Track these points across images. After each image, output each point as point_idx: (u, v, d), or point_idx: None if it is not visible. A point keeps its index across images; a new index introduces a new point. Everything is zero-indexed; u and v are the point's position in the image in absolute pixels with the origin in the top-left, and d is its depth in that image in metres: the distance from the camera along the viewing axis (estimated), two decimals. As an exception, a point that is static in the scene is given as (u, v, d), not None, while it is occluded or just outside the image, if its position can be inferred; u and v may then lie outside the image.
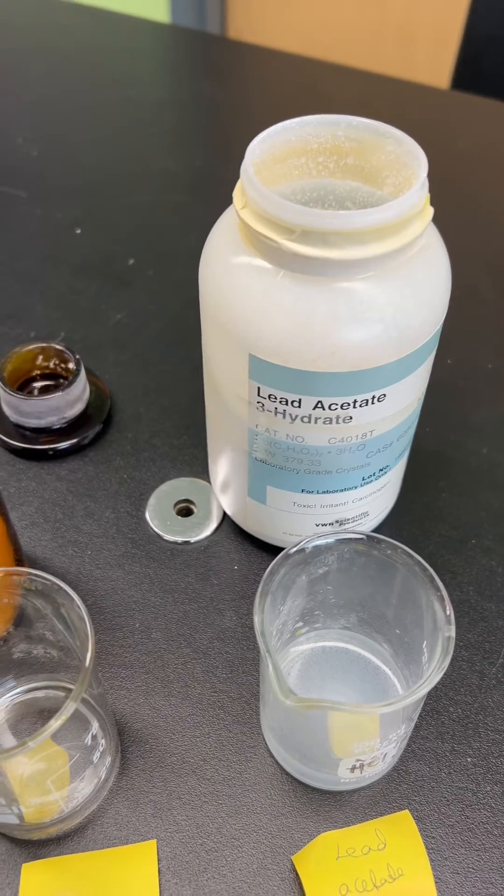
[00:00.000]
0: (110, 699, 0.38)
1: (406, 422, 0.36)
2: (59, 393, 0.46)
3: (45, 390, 0.49)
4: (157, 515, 0.45)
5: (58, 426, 0.47)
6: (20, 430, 0.48)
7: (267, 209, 0.29)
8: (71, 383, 0.46)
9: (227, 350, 0.33)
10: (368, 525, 0.41)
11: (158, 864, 0.33)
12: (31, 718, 0.36)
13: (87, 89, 0.82)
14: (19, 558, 0.39)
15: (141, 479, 0.47)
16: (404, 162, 0.32)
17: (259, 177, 0.32)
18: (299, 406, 0.33)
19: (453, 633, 0.29)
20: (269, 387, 0.33)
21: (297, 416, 0.33)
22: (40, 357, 0.49)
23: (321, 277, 0.30)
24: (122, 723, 0.37)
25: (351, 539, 0.33)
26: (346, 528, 0.40)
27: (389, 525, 0.44)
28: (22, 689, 0.37)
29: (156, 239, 0.64)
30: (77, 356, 0.48)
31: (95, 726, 0.33)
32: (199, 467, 0.47)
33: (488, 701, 0.38)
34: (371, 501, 0.39)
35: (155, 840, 0.34)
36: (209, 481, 0.46)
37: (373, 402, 0.33)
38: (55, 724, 0.27)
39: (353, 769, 0.33)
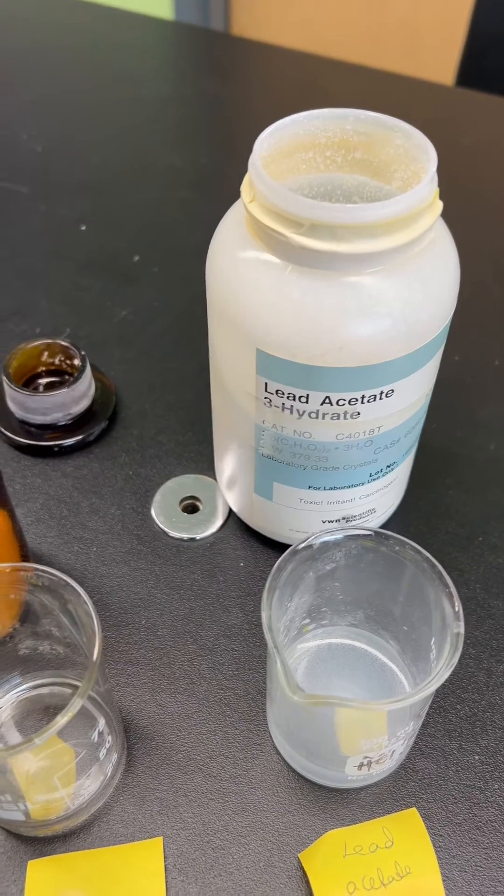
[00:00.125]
0: (116, 696, 0.38)
1: (414, 418, 0.36)
2: (65, 389, 0.46)
3: (50, 387, 0.49)
4: (163, 512, 0.45)
5: (63, 423, 0.47)
6: (25, 427, 0.47)
7: (275, 203, 0.29)
8: (76, 380, 0.46)
9: (235, 345, 0.33)
10: (375, 522, 0.41)
11: (165, 861, 0.33)
12: (36, 715, 0.36)
13: (91, 86, 0.82)
14: (25, 555, 0.39)
15: (146, 475, 0.47)
16: (413, 156, 0.32)
17: (267, 171, 0.32)
18: (307, 401, 0.32)
19: (462, 630, 0.29)
20: (276, 382, 0.32)
21: (304, 412, 0.33)
22: (46, 353, 0.49)
23: (330, 272, 0.30)
24: (128, 720, 0.37)
25: (359, 535, 0.33)
26: (354, 524, 0.40)
27: (396, 522, 0.44)
28: (28, 685, 0.37)
29: (161, 235, 0.63)
30: (82, 352, 0.48)
31: (102, 723, 0.33)
32: (205, 464, 0.47)
33: (496, 698, 0.38)
34: (378, 498, 0.39)
35: (161, 837, 0.33)
36: (215, 478, 0.46)
37: (381, 398, 0.32)
38: (62, 720, 0.27)
39: (360, 766, 0.32)
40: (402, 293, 0.30)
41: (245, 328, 0.32)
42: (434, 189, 0.30)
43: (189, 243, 0.63)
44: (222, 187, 0.68)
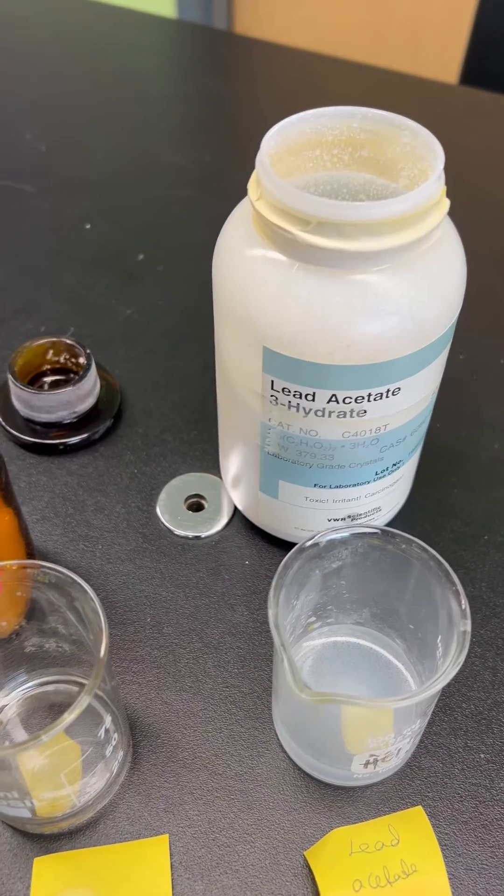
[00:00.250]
0: (122, 693, 0.38)
1: (420, 416, 0.36)
2: (70, 388, 0.46)
3: (55, 385, 0.49)
4: (168, 510, 0.45)
5: (68, 421, 0.47)
6: (31, 425, 0.47)
7: (283, 200, 0.29)
8: (82, 378, 0.46)
9: (241, 343, 0.33)
10: (380, 520, 0.41)
11: (171, 858, 0.33)
12: (42, 713, 0.36)
13: (95, 85, 0.82)
14: (31, 552, 0.39)
15: (151, 473, 0.47)
16: (420, 154, 0.32)
17: (274, 168, 0.32)
18: (313, 399, 0.32)
19: (469, 628, 0.29)
20: (282, 380, 0.32)
21: (310, 410, 0.33)
22: (51, 352, 0.49)
23: (336, 269, 0.30)
24: (134, 717, 0.37)
25: (365, 533, 0.33)
26: (359, 522, 0.40)
27: (401, 521, 0.44)
28: (33, 683, 0.37)
29: (165, 234, 0.63)
30: (88, 351, 0.48)
31: (108, 720, 0.33)
32: (210, 462, 0.47)
33: (501, 697, 0.38)
34: (384, 496, 0.39)
35: (167, 835, 0.33)
36: (220, 476, 0.46)
37: (387, 396, 0.32)
38: (69, 717, 0.27)
39: (366, 764, 0.32)
40: (409, 291, 0.30)
41: (252, 326, 0.32)
42: (441, 187, 0.30)
43: (193, 241, 0.63)
44: (226, 185, 0.68)
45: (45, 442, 0.47)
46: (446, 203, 0.31)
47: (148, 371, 0.52)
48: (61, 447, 0.47)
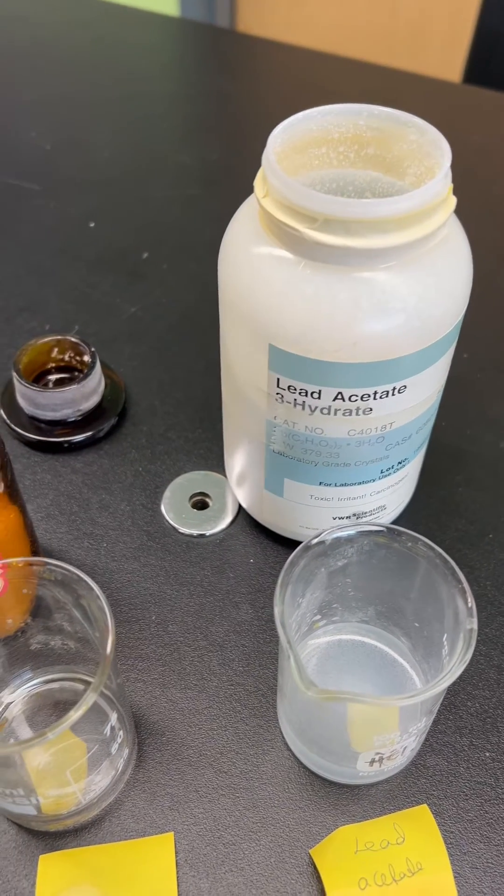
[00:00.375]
0: (127, 691, 0.38)
1: (425, 414, 0.36)
2: (75, 385, 0.46)
3: (60, 383, 0.49)
4: (173, 508, 0.45)
5: (73, 419, 0.47)
6: (35, 423, 0.47)
7: (289, 197, 0.29)
8: (86, 376, 0.46)
9: (247, 341, 0.33)
10: (386, 519, 0.41)
11: (176, 856, 0.33)
12: (47, 710, 0.36)
13: (99, 83, 0.82)
14: (36, 550, 0.39)
15: (156, 472, 0.47)
16: (427, 151, 0.31)
17: (280, 166, 0.32)
18: (319, 397, 0.32)
19: (475, 626, 0.29)
20: (288, 378, 0.32)
21: (316, 408, 0.33)
22: (55, 350, 0.49)
23: (343, 267, 0.30)
24: (139, 715, 0.37)
25: (371, 531, 0.32)
26: (364, 521, 0.40)
27: (406, 519, 0.44)
28: (39, 680, 0.37)
29: (170, 232, 0.63)
30: (92, 349, 0.48)
31: (114, 718, 0.33)
32: (215, 460, 0.47)
33: (507, 695, 0.38)
34: (389, 495, 0.39)
35: (172, 833, 0.33)
36: (224, 474, 0.46)
37: (393, 394, 0.32)
38: (75, 715, 0.27)
39: (372, 762, 0.32)
40: (416, 288, 0.30)
41: (257, 324, 0.32)
42: (448, 184, 0.30)
43: (198, 240, 0.63)
44: (230, 184, 0.68)
45: (50, 440, 0.47)
46: (453, 200, 0.31)
47: (153, 369, 0.52)
48: (66, 445, 0.47)
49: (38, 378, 0.49)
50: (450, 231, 0.32)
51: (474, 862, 0.33)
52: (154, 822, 0.34)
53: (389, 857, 0.32)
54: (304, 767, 0.35)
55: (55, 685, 0.37)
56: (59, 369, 0.50)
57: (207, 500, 0.45)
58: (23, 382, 0.46)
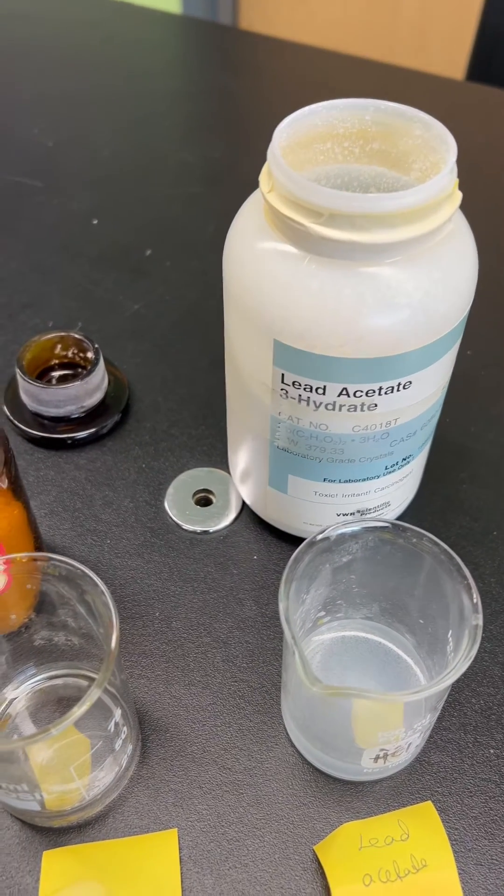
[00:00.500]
0: (131, 688, 0.37)
1: (430, 410, 0.36)
2: (78, 382, 0.46)
3: (63, 379, 0.49)
4: (176, 505, 0.45)
5: (76, 415, 0.47)
6: (39, 419, 0.47)
7: (294, 192, 0.29)
8: (90, 372, 0.46)
9: (251, 336, 0.33)
10: (390, 515, 0.41)
11: (179, 853, 0.33)
12: (50, 707, 0.36)
13: (101, 80, 0.82)
14: (39, 546, 0.39)
15: (159, 468, 0.46)
16: (432, 146, 0.31)
17: (285, 160, 0.31)
18: (324, 393, 0.32)
19: (481, 622, 0.29)
20: (293, 373, 0.32)
21: (321, 404, 0.33)
22: (59, 346, 0.49)
23: (348, 262, 0.30)
24: (143, 711, 0.37)
25: (376, 527, 0.32)
26: (369, 517, 0.40)
27: (410, 516, 0.44)
28: (42, 676, 0.37)
29: (173, 229, 0.63)
30: (96, 345, 0.48)
31: (118, 714, 0.33)
32: (218, 457, 0.47)
33: (511, 692, 0.38)
34: (393, 491, 0.39)
35: (175, 829, 0.33)
36: (228, 471, 0.46)
37: (398, 390, 0.32)
38: (78, 710, 0.27)
39: (376, 759, 0.32)
40: (422, 284, 0.30)
41: (262, 319, 0.32)
42: (454, 179, 0.30)
43: (201, 237, 0.62)
44: (233, 181, 0.68)
45: (54, 436, 0.47)
46: (458, 195, 0.31)
47: (156, 366, 0.52)
48: (69, 442, 0.47)
49: (41, 375, 0.49)
50: (455, 226, 0.32)
51: (479, 858, 0.33)
52: (158, 819, 0.34)
53: (394, 853, 0.32)
54: (308, 764, 0.35)
55: (59, 681, 0.37)
56: (62, 366, 0.50)
57: (211, 496, 0.45)
58: (26, 379, 0.46)
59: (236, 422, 0.40)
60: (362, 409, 0.33)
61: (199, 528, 0.43)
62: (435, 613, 0.33)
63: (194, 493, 0.45)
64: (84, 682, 0.37)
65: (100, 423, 0.48)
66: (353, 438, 0.34)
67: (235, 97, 0.81)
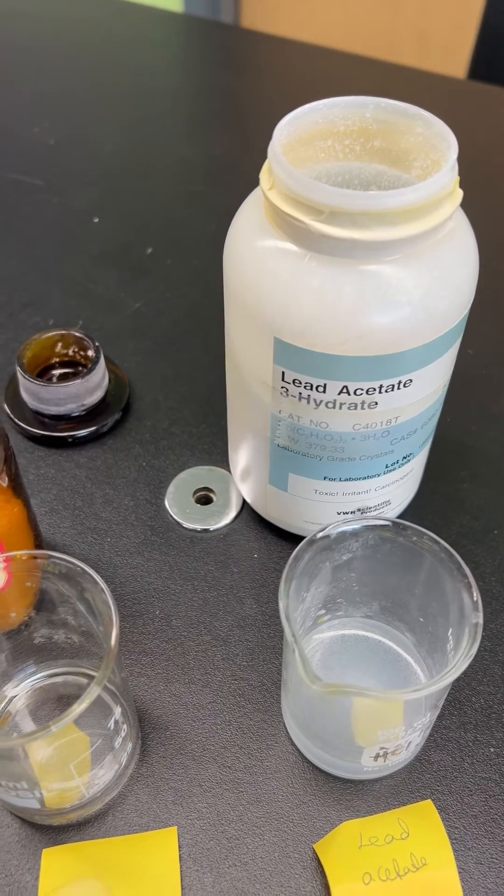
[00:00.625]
0: (130, 686, 0.37)
1: (431, 408, 0.36)
2: (79, 380, 0.46)
3: (64, 378, 0.49)
4: (177, 503, 0.45)
5: (77, 414, 0.47)
6: (39, 418, 0.47)
7: (295, 189, 0.29)
8: (90, 370, 0.46)
9: (252, 334, 0.33)
10: (390, 514, 0.41)
11: (179, 851, 0.33)
12: (50, 705, 0.36)
13: (103, 78, 0.82)
14: (39, 545, 0.39)
15: (160, 467, 0.46)
16: (433, 144, 0.31)
17: (286, 158, 0.31)
18: (324, 391, 0.32)
19: (481, 620, 0.29)
20: (293, 371, 0.32)
21: (321, 402, 0.33)
22: (59, 344, 0.49)
23: (349, 260, 0.30)
24: (143, 710, 0.37)
25: (377, 525, 0.32)
26: (369, 515, 0.39)
27: (411, 514, 0.44)
28: (42, 674, 0.37)
29: (174, 228, 0.63)
30: (96, 343, 0.48)
31: (118, 712, 0.33)
32: (219, 456, 0.47)
33: (511, 691, 0.38)
34: (394, 490, 0.39)
35: (175, 827, 0.33)
36: (228, 470, 0.46)
37: (399, 388, 0.32)
38: (78, 708, 0.27)
39: (376, 757, 0.32)
40: (422, 282, 0.30)
41: (263, 317, 0.32)
42: (455, 177, 0.30)
43: (202, 235, 0.62)
44: (234, 180, 0.68)
45: (54, 434, 0.47)
46: (459, 193, 0.31)
47: (156, 364, 0.52)
48: (70, 440, 0.47)
49: (41, 373, 0.49)
50: (456, 224, 0.32)
51: (479, 857, 0.33)
52: (157, 817, 0.34)
53: (393, 852, 0.32)
54: (308, 762, 0.35)
55: (59, 679, 0.37)
56: (62, 364, 0.50)
57: (211, 495, 0.45)
58: (27, 377, 0.46)
59: (237, 420, 0.40)
60: (363, 408, 0.33)
61: (199, 527, 0.43)
62: (435, 612, 0.33)
63: (195, 492, 0.45)
64: (84, 681, 0.37)
65: (100, 421, 0.47)
66: (354, 437, 0.34)
67: (237, 95, 0.81)
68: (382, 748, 0.32)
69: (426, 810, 0.34)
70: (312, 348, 0.31)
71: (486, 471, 0.47)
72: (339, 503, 0.38)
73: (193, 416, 0.49)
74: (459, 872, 0.32)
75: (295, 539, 0.42)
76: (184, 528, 0.44)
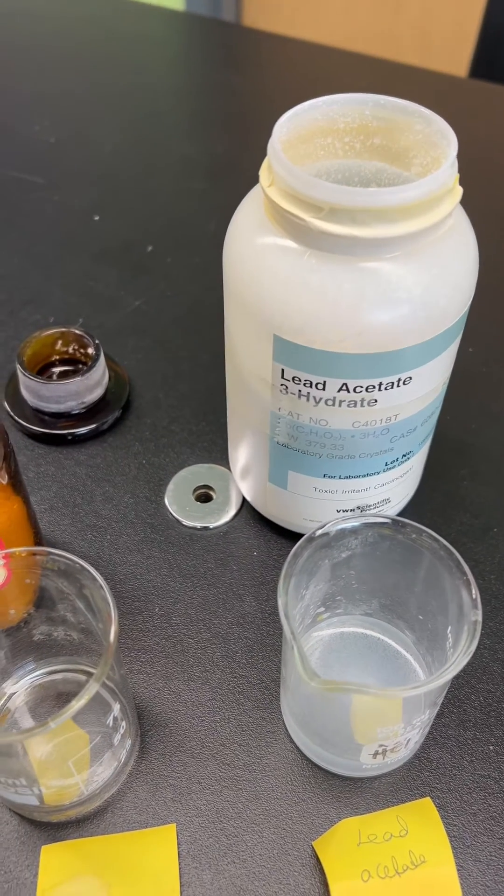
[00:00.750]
0: (130, 683, 0.37)
1: (430, 406, 0.36)
2: (79, 378, 0.46)
3: (64, 375, 0.49)
4: (176, 501, 0.45)
5: (77, 411, 0.47)
6: (39, 415, 0.47)
7: (295, 186, 0.29)
8: (90, 368, 0.46)
9: (251, 331, 0.33)
10: (390, 512, 0.41)
11: (178, 848, 0.33)
12: (49, 701, 0.36)
13: (104, 77, 0.82)
14: (39, 542, 0.39)
15: (160, 464, 0.46)
16: (433, 141, 0.31)
17: (285, 155, 0.31)
18: (324, 389, 0.32)
19: (480, 617, 0.29)
20: (293, 369, 0.32)
21: (321, 399, 0.33)
22: (60, 342, 0.49)
23: (348, 257, 0.30)
24: (142, 707, 0.37)
25: (376, 523, 0.32)
26: (370, 512, 0.39)
27: (410, 512, 0.44)
28: (41, 671, 0.37)
29: (174, 226, 0.63)
30: (96, 341, 0.48)
31: (117, 709, 0.33)
32: (218, 453, 0.47)
33: (510, 689, 0.38)
34: (393, 487, 0.39)
35: (174, 824, 0.33)
36: (228, 467, 0.46)
37: (398, 385, 0.32)
38: (77, 704, 0.27)
39: (375, 755, 0.32)
40: (422, 279, 0.30)
41: (262, 314, 0.32)
42: (454, 174, 0.30)
43: (202, 233, 0.62)
44: (235, 178, 0.68)
45: (54, 432, 0.47)
46: (459, 191, 0.31)
47: (157, 362, 0.52)
48: (70, 437, 0.47)
49: (42, 370, 0.49)
50: (456, 222, 0.32)
51: (477, 855, 0.33)
52: (156, 814, 0.34)
53: (392, 849, 0.32)
54: (308, 760, 0.35)
55: (58, 676, 0.37)
56: (63, 362, 0.50)
57: (211, 492, 0.45)
58: (27, 375, 0.46)
59: (236, 418, 0.40)
60: (362, 405, 0.33)
61: (199, 524, 0.43)
62: (434, 609, 0.33)
63: (194, 490, 0.45)
64: (83, 677, 0.37)
65: (100, 419, 0.47)
66: (353, 434, 0.34)
67: (238, 94, 0.81)
68: (381, 745, 0.32)
69: (425, 808, 0.34)
70: (312, 345, 0.31)
71: (486, 469, 0.47)
72: (339, 501, 0.38)
73: (193, 414, 0.49)
74: (458, 870, 0.32)
75: (294, 537, 0.42)
76: (183, 525, 0.44)
